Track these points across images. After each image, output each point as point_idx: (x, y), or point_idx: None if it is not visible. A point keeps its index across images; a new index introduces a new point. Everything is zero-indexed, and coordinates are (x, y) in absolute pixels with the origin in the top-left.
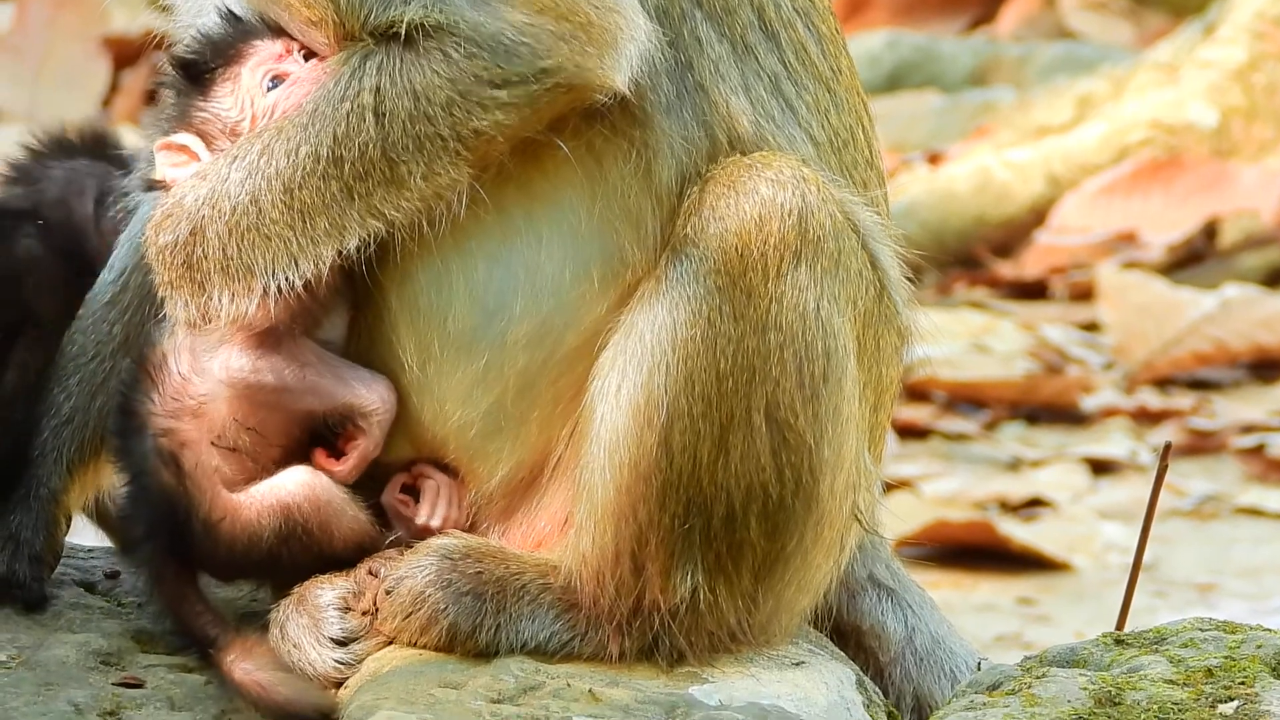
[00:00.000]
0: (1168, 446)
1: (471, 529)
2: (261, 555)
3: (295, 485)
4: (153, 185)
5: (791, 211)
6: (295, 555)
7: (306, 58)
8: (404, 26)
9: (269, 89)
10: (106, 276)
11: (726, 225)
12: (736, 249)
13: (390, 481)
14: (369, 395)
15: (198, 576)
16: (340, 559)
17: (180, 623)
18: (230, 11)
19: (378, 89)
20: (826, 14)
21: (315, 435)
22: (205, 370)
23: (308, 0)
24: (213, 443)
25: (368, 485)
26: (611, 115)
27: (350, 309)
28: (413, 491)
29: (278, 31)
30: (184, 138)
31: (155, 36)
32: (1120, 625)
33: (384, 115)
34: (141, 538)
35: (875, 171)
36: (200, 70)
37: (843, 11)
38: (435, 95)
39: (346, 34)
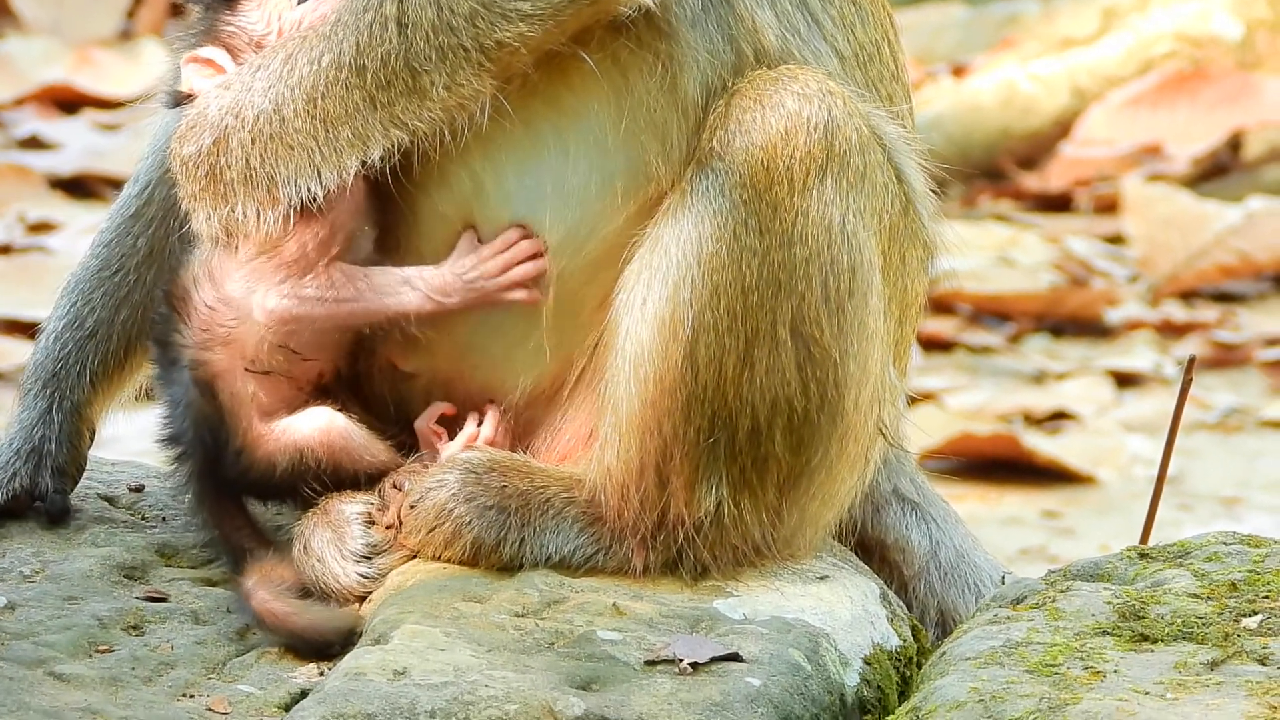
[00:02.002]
0: (1192, 360)
1: (495, 442)
2: (281, 486)
3: (310, 429)
4: (179, 99)
5: (817, 125)
6: (315, 486)
7: None
8: None
9: (297, 2)
10: (131, 190)
11: (752, 139)
12: (762, 163)
13: (429, 409)
14: (413, 297)
15: (239, 494)
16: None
17: (220, 537)
18: None
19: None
20: None
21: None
22: (230, 298)
23: None
24: (246, 369)
25: (403, 407)
26: (637, 28)
27: (375, 227)
28: (448, 424)
29: None
30: (210, 51)
31: None
32: (1145, 539)
33: (407, 25)
34: (180, 458)
35: (901, 85)
36: None
37: None
38: (459, 6)
39: None
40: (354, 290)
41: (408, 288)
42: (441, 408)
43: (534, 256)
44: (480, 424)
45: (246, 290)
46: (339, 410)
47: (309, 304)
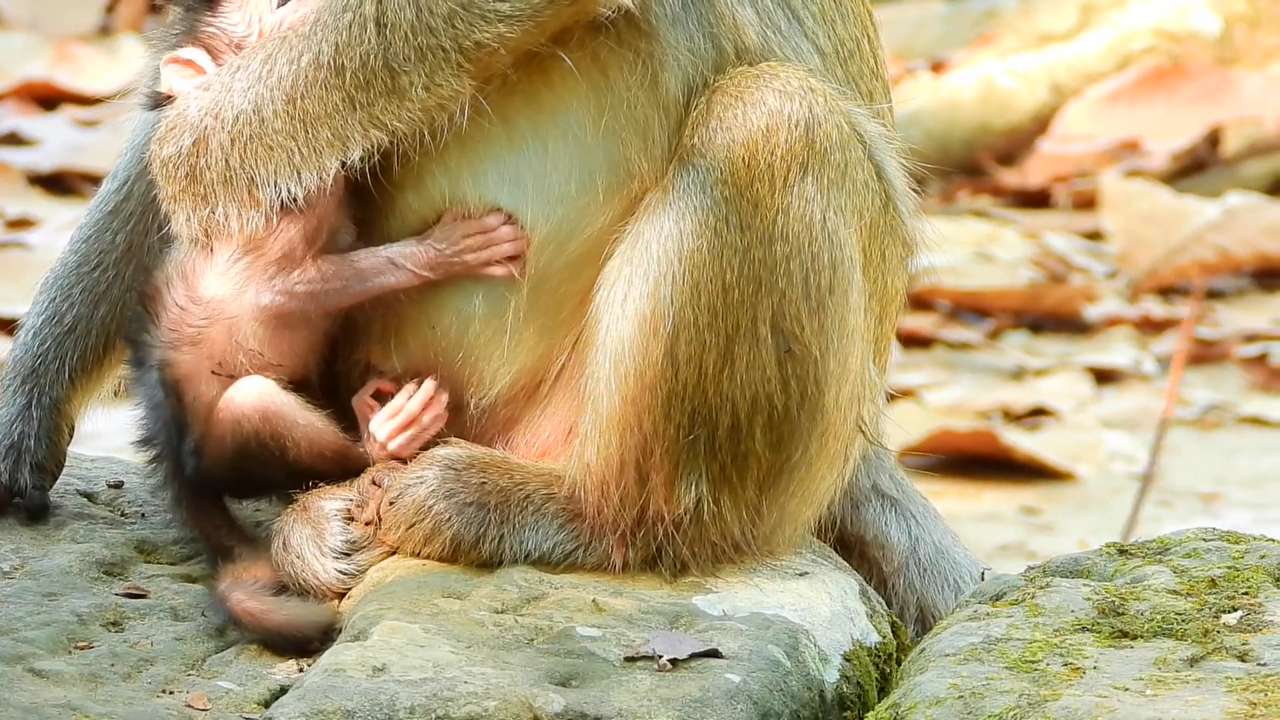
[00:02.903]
0: (1179, 355)
1: (475, 438)
2: (243, 473)
3: (241, 397)
4: (159, 100)
5: (799, 122)
6: (263, 467)
7: None
8: None
9: (277, 5)
10: (109, 185)
11: (734, 136)
12: (744, 159)
13: (367, 384)
14: (399, 275)
15: (215, 493)
16: (308, 469)
17: (200, 536)
18: None
19: (380, 0)
20: None
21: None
22: (201, 298)
23: None
24: (213, 371)
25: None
26: (617, 27)
27: (356, 225)
28: (383, 399)
29: None
30: (190, 52)
31: None
32: (1128, 534)
33: (385, 26)
34: (156, 459)
35: (881, 82)
36: None
37: None
38: (437, 7)
39: None
40: (342, 278)
41: (392, 266)
42: (378, 383)
43: (513, 238)
44: (411, 395)
45: (234, 291)
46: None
47: (299, 298)
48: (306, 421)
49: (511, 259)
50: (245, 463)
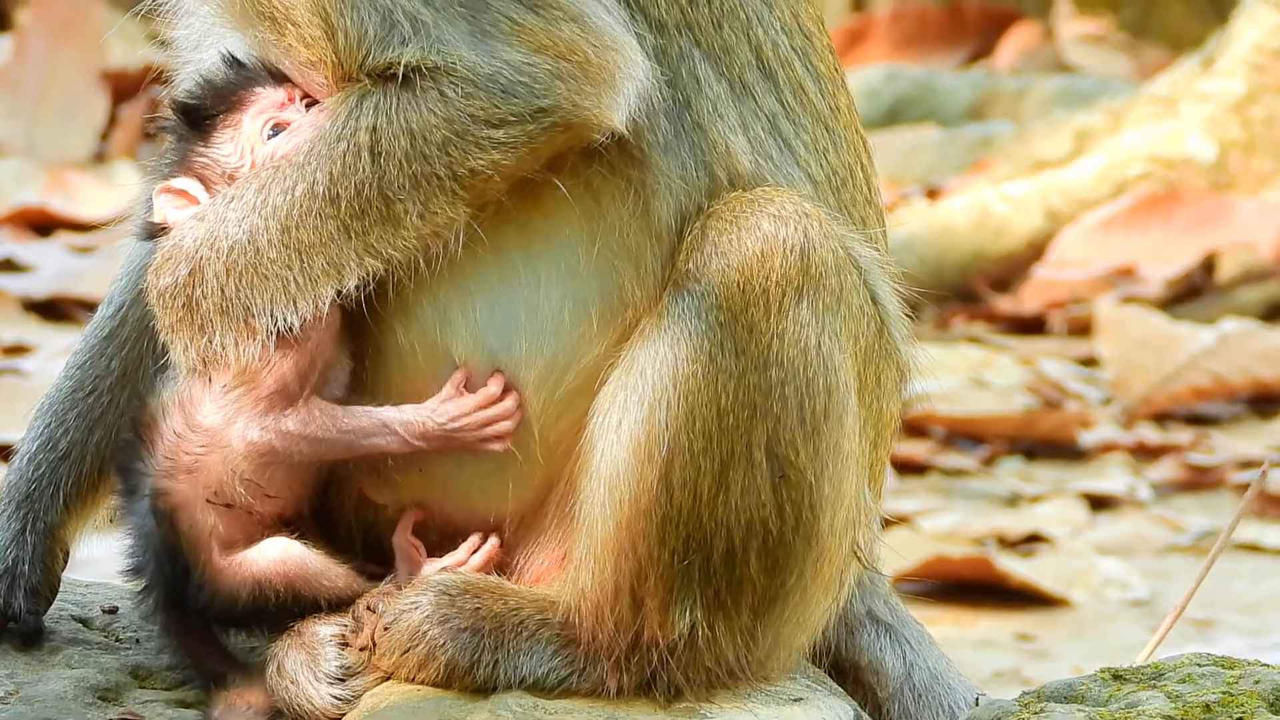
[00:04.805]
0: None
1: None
2: (246, 617)
3: (266, 561)
4: (153, 230)
5: (794, 247)
6: (277, 615)
7: (309, 106)
8: (401, 67)
9: (269, 136)
10: (104, 311)
11: (729, 260)
12: (739, 284)
13: (403, 518)
14: (390, 441)
15: (206, 623)
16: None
17: (191, 664)
18: (232, 56)
19: (374, 128)
20: (824, 52)
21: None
22: (199, 427)
23: (306, 41)
24: (209, 500)
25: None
26: (609, 154)
27: (352, 360)
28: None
29: (279, 78)
30: (183, 182)
31: (154, 71)
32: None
33: (380, 154)
34: (145, 589)
35: (874, 209)
36: (201, 115)
37: (842, 45)
38: (432, 135)
39: (345, 75)
40: (333, 429)
41: (386, 431)
42: (415, 514)
43: (511, 413)
44: (475, 551)
45: (225, 421)
46: (295, 538)
47: (288, 439)
48: (330, 576)
49: (508, 436)
50: (258, 616)
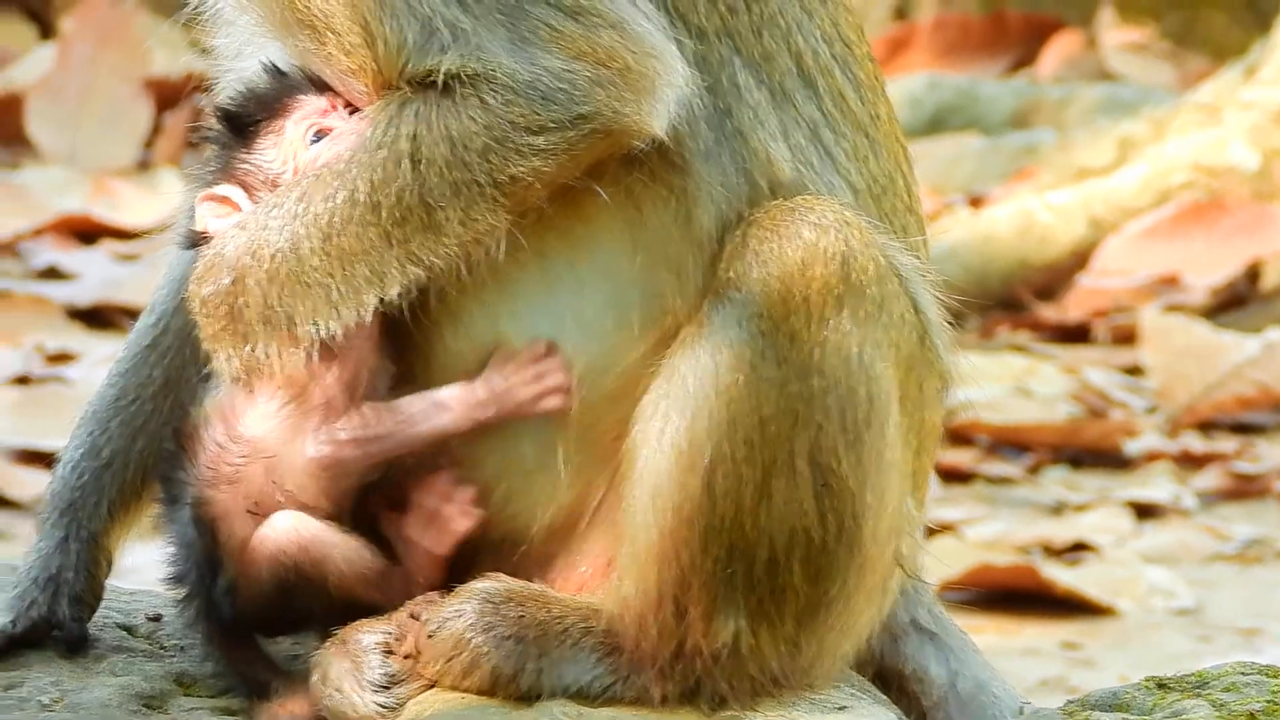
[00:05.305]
0: None
1: (513, 573)
2: (275, 607)
3: (277, 532)
4: (195, 238)
5: (835, 256)
6: (303, 600)
7: (351, 114)
8: (441, 75)
9: (312, 142)
10: (146, 319)
11: (770, 269)
12: (779, 293)
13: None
14: (447, 417)
15: (250, 631)
16: (351, 600)
17: (235, 672)
18: (273, 65)
19: (414, 135)
20: (864, 60)
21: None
22: (241, 437)
23: (346, 49)
24: (249, 510)
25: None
26: (650, 162)
27: (394, 365)
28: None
29: (321, 86)
30: (226, 189)
31: (197, 78)
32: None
33: (420, 161)
34: (187, 598)
35: (915, 217)
36: (244, 122)
37: (884, 53)
38: (472, 142)
39: (385, 83)
40: (390, 422)
41: (441, 409)
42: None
43: (561, 370)
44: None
45: (279, 440)
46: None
47: (349, 446)
48: (344, 546)
49: (562, 392)
50: (284, 597)
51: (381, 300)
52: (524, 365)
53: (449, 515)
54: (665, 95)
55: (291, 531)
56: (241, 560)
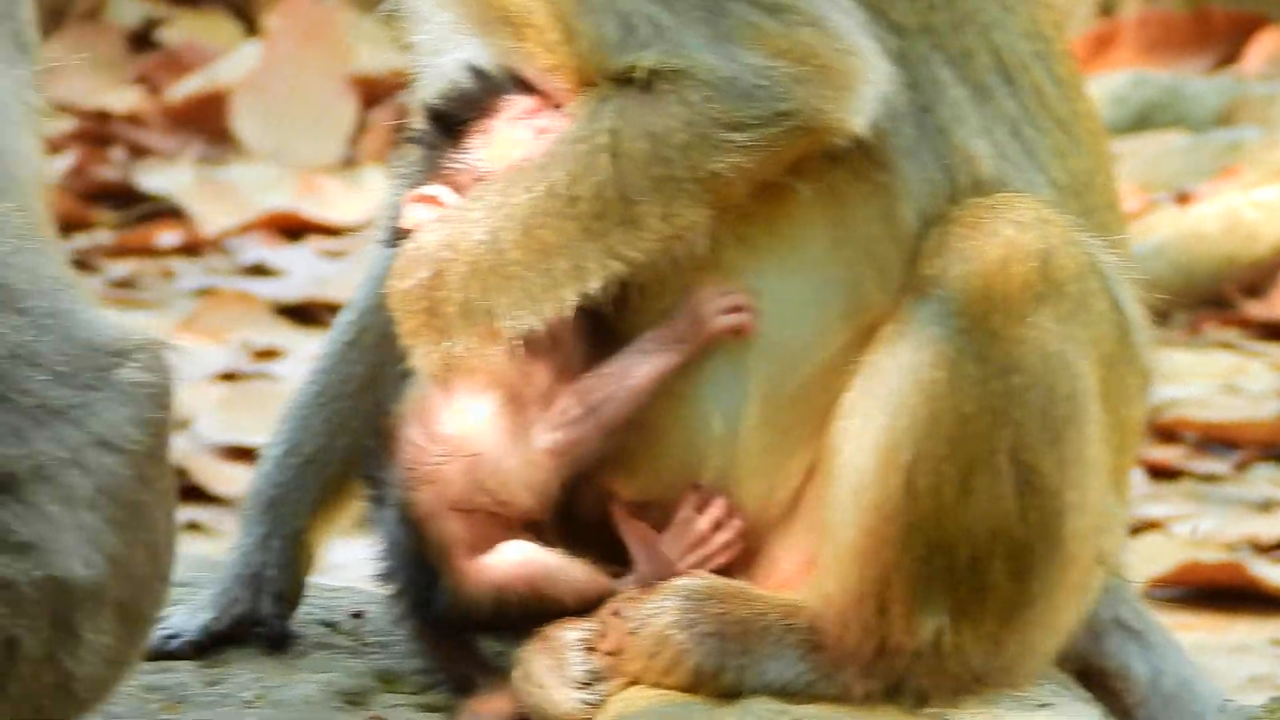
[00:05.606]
0: None
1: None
2: (492, 623)
3: (506, 566)
4: (397, 234)
5: (1035, 253)
6: (522, 623)
7: (556, 112)
8: (642, 71)
9: (524, 142)
10: (348, 316)
11: (970, 267)
12: (980, 290)
13: (617, 510)
14: (657, 360)
15: (461, 629)
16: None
17: (441, 667)
18: (475, 65)
19: (614, 131)
20: (1064, 57)
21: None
22: (439, 436)
23: (546, 45)
24: (452, 508)
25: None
26: (853, 158)
27: (590, 356)
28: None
29: (526, 85)
30: (435, 189)
31: (401, 75)
32: None
33: (620, 157)
34: (396, 595)
35: (1115, 214)
36: (453, 122)
37: (1088, 51)
38: (672, 138)
39: (585, 79)
40: (603, 389)
41: (643, 356)
42: (624, 503)
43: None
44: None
45: (491, 438)
46: (534, 540)
47: (575, 425)
48: (569, 575)
49: (745, 308)
50: (503, 621)
51: (581, 294)
52: (705, 296)
53: (712, 537)
54: (865, 92)
55: (519, 566)
56: (454, 565)
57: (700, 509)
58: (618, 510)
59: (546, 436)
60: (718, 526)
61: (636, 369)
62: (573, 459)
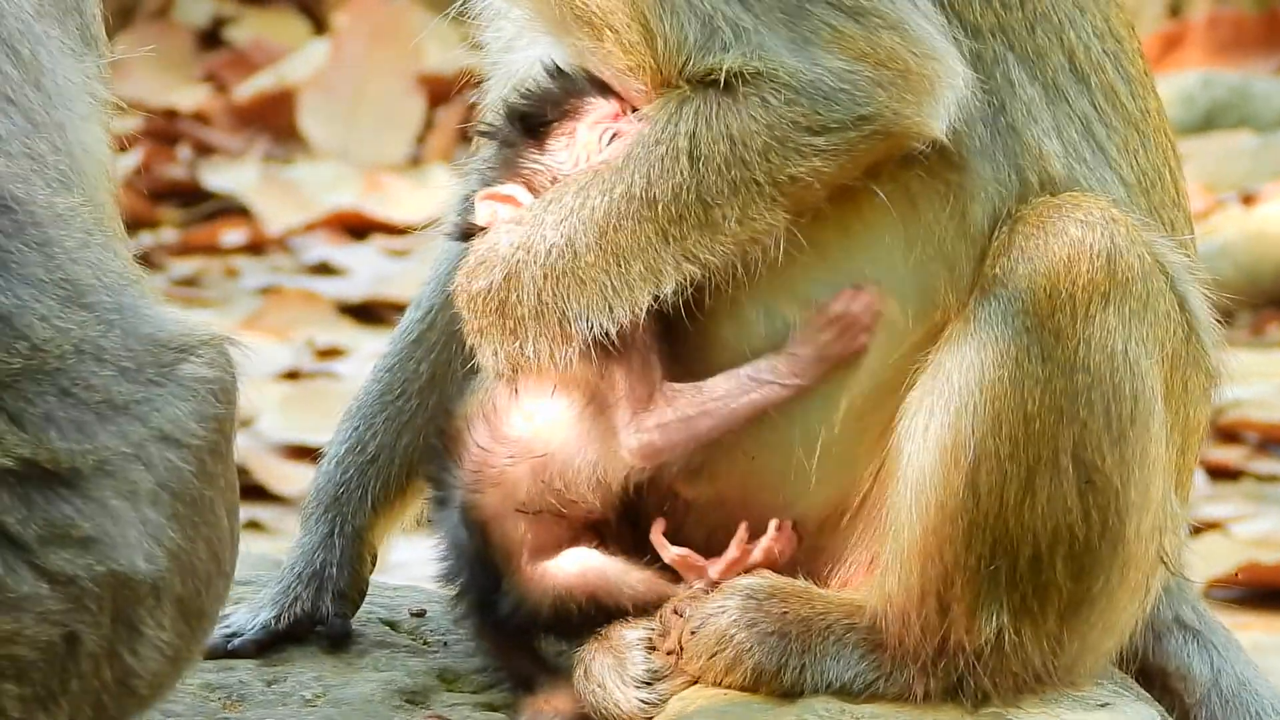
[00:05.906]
0: None
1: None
2: (553, 625)
3: (567, 573)
4: (468, 231)
5: (1100, 253)
6: (583, 627)
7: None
8: (723, 74)
9: (607, 143)
10: (413, 314)
11: (1035, 266)
12: (1045, 290)
13: (655, 533)
14: (767, 391)
15: (523, 630)
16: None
17: (502, 666)
18: (555, 65)
19: (693, 134)
20: (1135, 56)
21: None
22: (506, 439)
23: (625, 47)
24: (517, 509)
25: (679, 535)
26: (928, 159)
27: (668, 360)
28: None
29: (603, 87)
30: (511, 188)
31: (469, 75)
32: None
33: (699, 159)
34: (458, 595)
35: (1183, 212)
36: (536, 122)
37: (1157, 51)
38: (752, 141)
39: (664, 81)
40: (704, 403)
41: (755, 384)
42: (660, 525)
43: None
44: (747, 545)
45: (567, 439)
46: (596, 547)
47: (666, 430)
48: (630, 582)
49: (870, 325)
50: (563, 625)
51: (656, 297)
52: (828, 320)
53: (768, 549)
54: (945, 97)
55: (579, 576)
56: (517, 567)
57: (752, 538)
58: (656, 537)
59: (636, 437)
60: (769, 558)
61: (745, 395)
62: (657, 464)
